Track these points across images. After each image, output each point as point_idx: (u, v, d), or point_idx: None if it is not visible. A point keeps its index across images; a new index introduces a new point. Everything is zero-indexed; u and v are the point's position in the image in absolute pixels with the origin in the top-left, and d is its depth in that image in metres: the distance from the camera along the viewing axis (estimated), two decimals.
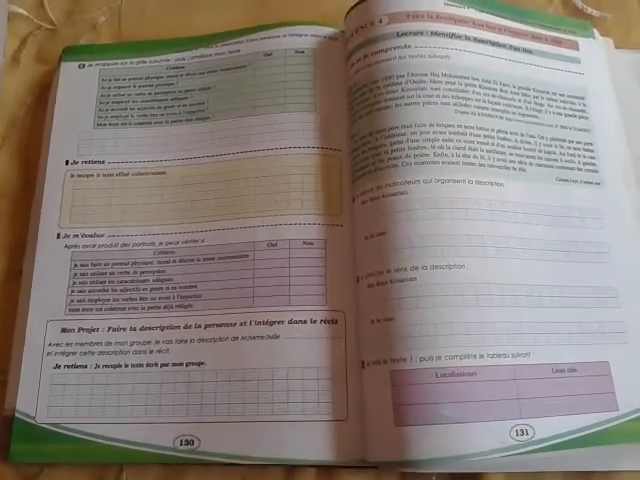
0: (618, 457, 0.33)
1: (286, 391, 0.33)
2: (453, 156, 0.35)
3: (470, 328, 0.32)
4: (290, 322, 0.34)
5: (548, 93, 0.38)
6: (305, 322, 0.34)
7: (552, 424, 0.31)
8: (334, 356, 0.33)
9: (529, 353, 0.32)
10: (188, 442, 0.33)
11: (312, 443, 0.32)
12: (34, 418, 0.33)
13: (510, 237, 0.34)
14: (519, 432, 0.30)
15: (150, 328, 0.35)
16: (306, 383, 0.33)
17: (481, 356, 0.31)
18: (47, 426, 0.33)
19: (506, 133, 0.36)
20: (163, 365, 0.34)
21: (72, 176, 0.39)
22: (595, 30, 0.42)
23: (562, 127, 0.38)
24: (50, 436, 0.33)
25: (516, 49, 0.39)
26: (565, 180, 0.37)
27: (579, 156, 0.37)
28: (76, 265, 0.36)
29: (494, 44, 0.38)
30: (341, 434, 0.32)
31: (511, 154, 0.36)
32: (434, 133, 0.35)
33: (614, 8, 0.45)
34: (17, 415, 0.33)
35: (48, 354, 0.35)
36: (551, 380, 0.32)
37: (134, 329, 0.35)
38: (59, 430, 0.33)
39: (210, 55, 0.41)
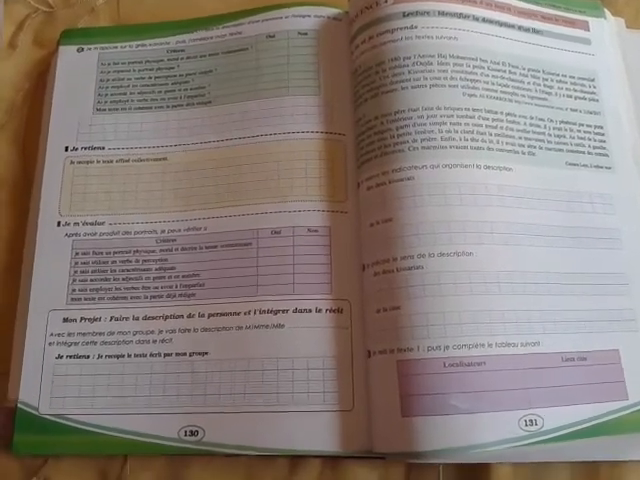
0: (627, 447, 0.32)
1: (291, 381, 0.32)
2: (461, 140, 0.34)
3: (478, 317, 0.31)
4: (295, 311, 0.33)
5: (558, 75, 0.38)
6: (310, 311, 0.33)
7: (561, 414, 0.31)
8: (340, 346, 0.33)
9: (538, 342, 0.32)
10: (193, 433, 0.32)
11: (317, 433, 0.32)
12: (37, 409, 0.33)
13: (519, 223, 0.33)
14: (528, 422, 0.30)
15: (153, 318, 0.34)
16: (311, 373, 0.32)
17: (490, 345, 0.31)
18: (50, 417, 0.33)
19: (515, 116, 0.36)
20: (166, 355, 0.34)
21: (72, 163, 0.38)
22: (606, 10, 0.41)
23: (572, 110, 0.37)
24: (53, 427, 0.33)
25: (525, 30, 0.38)
26: (575, 164, 0.36)
27: (589, 140, 0.37)
28: (77, 254, 0.36)
29: (503, 25, 0.37)
30: (347, 424, 0.32)
31: (520, 138, 0.35)
32: (441, 117, 0.34)
33: None
34: (20, 406, 0.33)
35: (50, 344, 0.34)
36: (561, 369, 0.31)
37: (137, 319, 0.34)
38: (62, 421, 0.33)
39: (211, 38, 0.40)
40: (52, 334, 0.34)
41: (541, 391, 0.31)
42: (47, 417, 0.33)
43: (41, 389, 0.33)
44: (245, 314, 0.34)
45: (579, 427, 0.31)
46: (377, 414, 0.31)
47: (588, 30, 0.39)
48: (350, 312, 0.34)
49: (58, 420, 0.33)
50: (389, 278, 0.32)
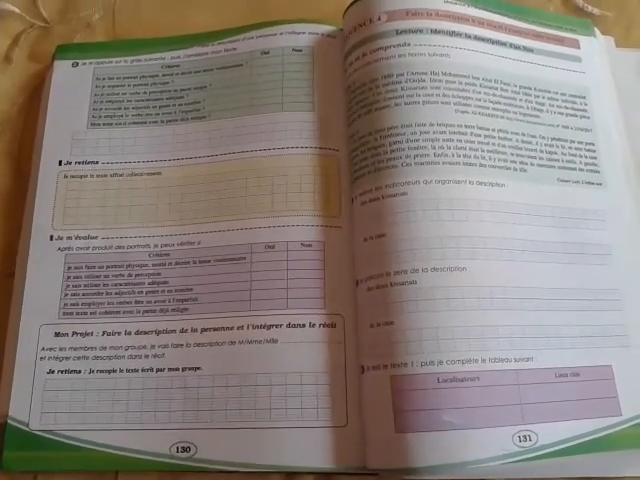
0: (621, 463, 0.32)
1: (284, 397, 0.32)
2: (454, 156, 0.34)
3: (472, 332, 0.31)
4: (288, 326, 0.33)
5: (549, 92, 0.38)
6: (303, 326, 0.33)
7: (555, 430, 0.31)
8: (333, 361, 0.33)
9: (532, 357, 0.32)
10: (184, 449, 0.32)
11: (311, 450, 0.31)
12: (27, 425, 0.33)
13: (511, 239, 0.33)
14: (522, 438, 0.30)
15: (145, 332, 0.34)
16: (305, 388, 0.32)
17: (483, 360, 0.31)
18: (40, 433, 0.32)
19: (507, 133, 0.36)
20: (159, 370, 0.33)
21: (65, 177, 0.38)
22: (596, 29, 0.41)
23: (563, 127, 0.37)
24: (44, 443, 0.32)
25: (517, 47, 0.38)
26: (566, 181, 0.36)
27: (580, 156, 0.37)
28: (70, 268, 0.36)
29: (495, 42, 0.38)
30: (340, 440, 0.31)
31: (512, 154, 0.36)
32: (434, 133, 0.34)
33: (615, 7, 0.44)
34: (10, 422, 0.33)
35: (41, 359, 0.34)
36: (554, 385, 0.31)
37: (129, 333, 0.34)
38: (53, 437, 0.32)
39: (206, 53, 0.41)
40: (43, 349, 0.34)
41: (535, 407, 0.31)
42: (37, 433, 0.32)
43: (31, 404, 0.33)
44: (238, 329, 0.34)
45: (573, 443, 0.31)
46: (371, 430, 0.31)
47: (578, 48, 0.40)
48: (343, 327, 0.33)
49: (48, 436, 0.32)
50: (382, 293, 0.32)
